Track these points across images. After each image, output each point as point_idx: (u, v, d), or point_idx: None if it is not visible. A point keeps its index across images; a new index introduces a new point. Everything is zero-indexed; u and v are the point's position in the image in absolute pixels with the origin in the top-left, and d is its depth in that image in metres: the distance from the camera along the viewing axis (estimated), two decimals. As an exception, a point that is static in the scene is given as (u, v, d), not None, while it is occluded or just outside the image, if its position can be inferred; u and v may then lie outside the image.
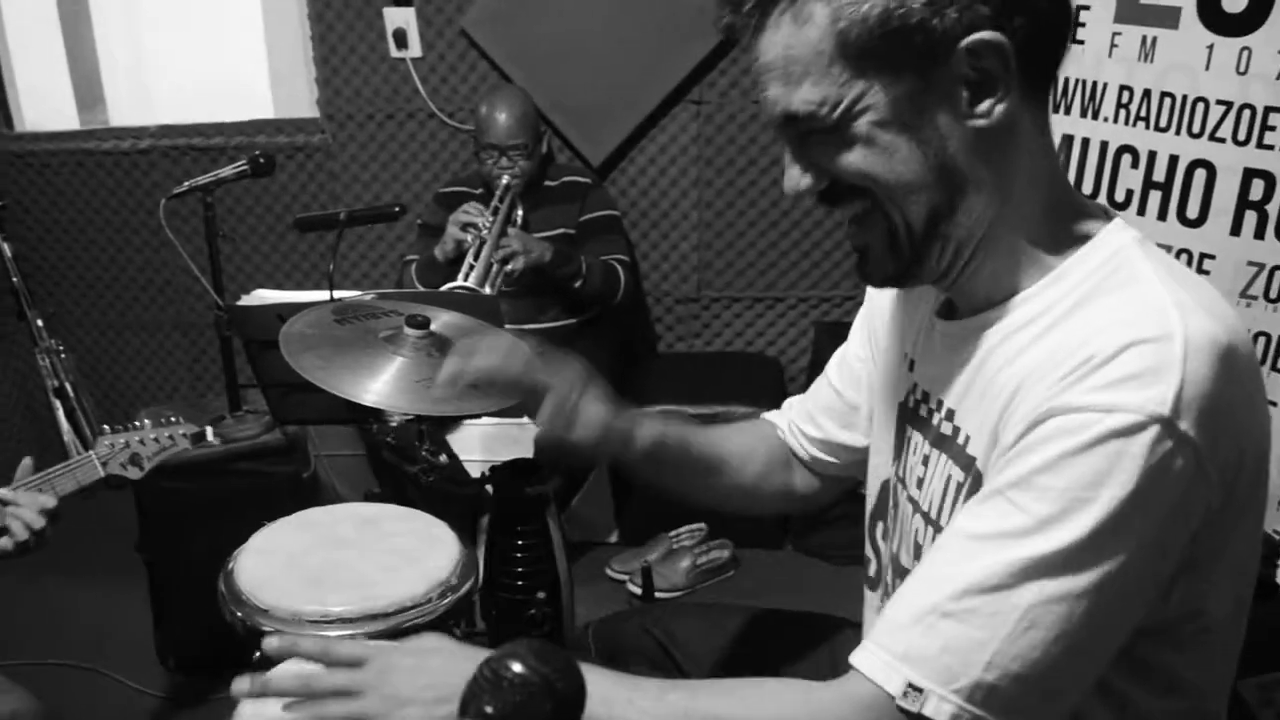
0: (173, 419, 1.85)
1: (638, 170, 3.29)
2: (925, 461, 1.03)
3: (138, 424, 1.84)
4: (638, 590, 2.77)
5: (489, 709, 0.63)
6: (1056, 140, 1.64)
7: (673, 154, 3.25)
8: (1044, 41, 0.90)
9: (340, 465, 2.95)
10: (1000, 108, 0.88)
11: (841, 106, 0.87)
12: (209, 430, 2.01)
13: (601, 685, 0.88)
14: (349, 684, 0.94)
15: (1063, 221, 0.94)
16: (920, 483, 1.04)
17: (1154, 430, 0.79)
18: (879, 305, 1.23)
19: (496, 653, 0.66)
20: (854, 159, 0.89)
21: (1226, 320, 0.84)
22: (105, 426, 1.81)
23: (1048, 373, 0.85)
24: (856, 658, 0.88)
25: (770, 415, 1.39)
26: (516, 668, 0.64)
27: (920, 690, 0.83)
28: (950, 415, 0.99)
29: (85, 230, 3.62)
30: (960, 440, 0.97)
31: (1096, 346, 0.83)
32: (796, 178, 0.94)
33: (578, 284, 2.85)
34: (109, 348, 3.77)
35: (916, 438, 1.06)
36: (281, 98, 3.53)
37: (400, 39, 3.21)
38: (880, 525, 1.18)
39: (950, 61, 0.86)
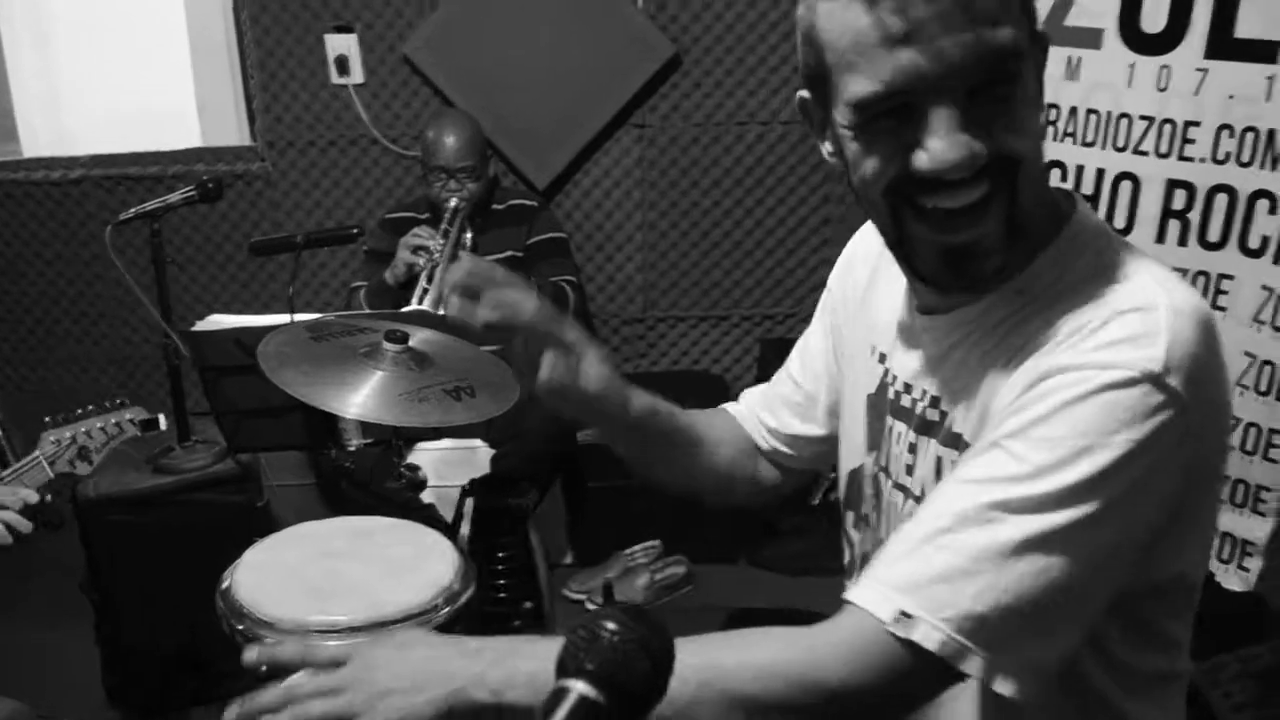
0: (119, 401, 1.73)
1: (582, 193, 3.34)
2: (912, 449, 1.07)
3: (81, 412, 1.70)
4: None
5: (590, 665, 0.65)
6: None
7: (616, 177, 3.31)
8: None
9: (290, 496, 2.92)
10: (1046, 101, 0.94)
11: (1025, 57, 0.86)
12: (161, 418, 1.88)
13: None
14: (331, 684, 0.94)
15: (1046, 207, 0.98)
16: (909, 469, 1.08)
17: (1146, 385, 0.84)
18: (843, 301, 1.25)
19: (587, 616, 0.69)
20: (1024, 122, 0.87)
21: (1199, 297, 0.91)
22: (46, 419, 1.69)
23: (1040, 344, 0.90)
24: (851, 592, 0.90)
25: (728, 406, 1.38)
26: (612, 626, 0.67)
27: (911, 617, 0.85)
28: (935, 402, 1.03)
29: (14, 263, 3.53)
30: (947, 424, 1.01)
31: (1088, 317, 0.88)
32: (964, 144, 0.85)
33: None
34: (39, 384, 3.67)
35: (900, 427, 1.09)
36: (210, 126, 3.50)
37: (342, 65, 3.22)
38: (851, 515, 1.21)
39: (1044, 39, 0.92)
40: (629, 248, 3.37)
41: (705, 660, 0.89)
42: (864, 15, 0.84)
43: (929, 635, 0.85)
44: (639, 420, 1.19)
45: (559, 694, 0.65)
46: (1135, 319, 0.87)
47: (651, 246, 3.37)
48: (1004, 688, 0.86)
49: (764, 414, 1.33)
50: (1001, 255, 0.92)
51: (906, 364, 1.08)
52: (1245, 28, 2.08)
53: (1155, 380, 0.84)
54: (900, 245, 0.96)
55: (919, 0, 0.82)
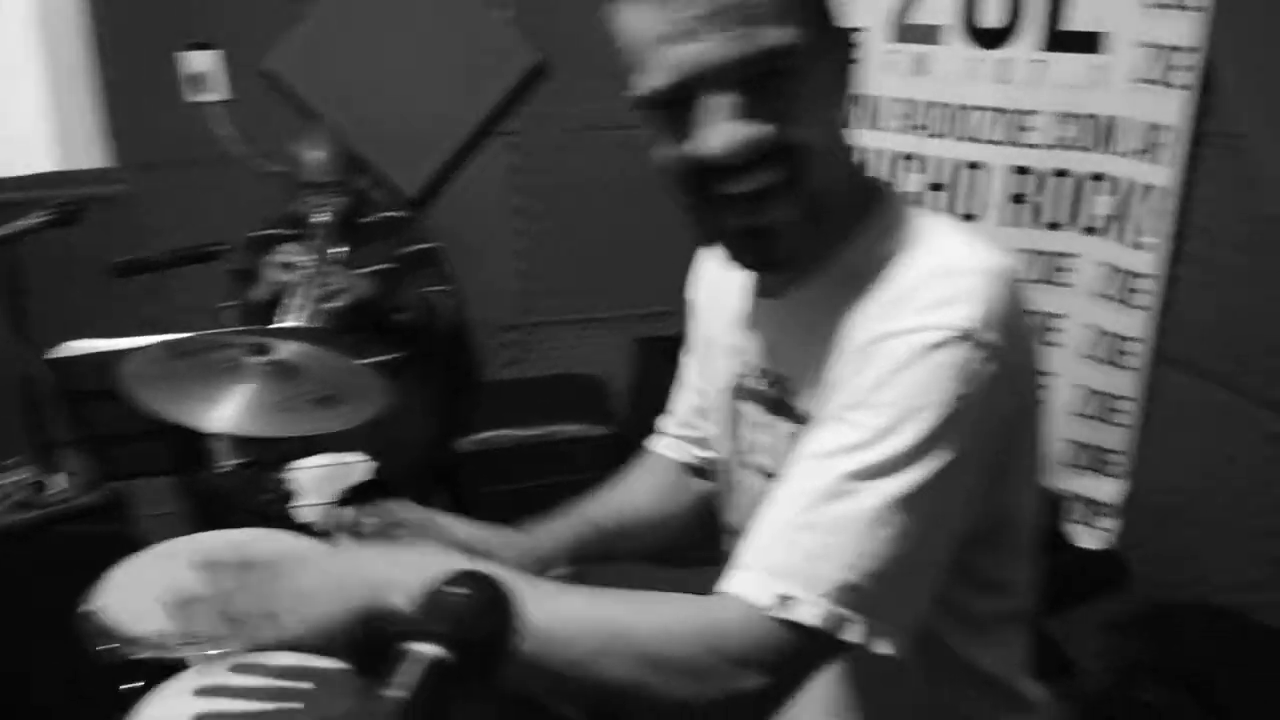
0: (13, 461, 1.71)
1: (454, 203, 3.33)
2: (766, 429, 1.12)
3: None
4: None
5: (438, 628, 0.68)
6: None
7: (488, 184, 3.31)
8: None
9: (161, 523, 2.84)
10: (854, 91, 1.00)
11: (806, 53, 0.92)
12: (63, 478, 1.84)
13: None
14: (252, 582, 0.96)
15: (859, 192, 1.05)
16: (762, 449, 1.13)
17: (966, 343, 0.90)
18: (700, 305, 1.31)
19: (435, 582, 0.71)
20: (808, 113, 0.93)
21: (1004, 255, 0.98)
22: None
23: (866, 315, 0.96)
24: (728, 582, 0.92)
25: (654, 443, 1.44)
26: (456, 590, 0.69)
27: (791, 598, 0.89)
28: (782, 381, 1.09)
29: None
30: (793, 401, 1.07)
31: (906, 284, 0.95)
32: (735, 131, 0.92)
33: (401, 317, 2.87)
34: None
35: (754, 411, 1.14)
36: (69, 151, 3.39)
37: (203, 83, 3.16)
38: (724, 506, 1.26)
39: (845, 37, 0.98)
40: (504, 254, 3.38)
41: (613, 613, 0.91)
42: (648, 17, 0.93)
43: (810, 613, 0.88)
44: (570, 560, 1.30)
45: (410, 658, 0.67)
46: (950, 282, 0.93)
47: (526, 253, 3.39)
48: (884, 648, 0.90)
49: (687, 431, 1.39)
50: (796, 239, 0.98)
51: (757, 348, 1.13)
52: (1075, 21, 2.22)
53: (974, 337, 0.91)
54: (703, 231, 1.02)
55: (696, 2, 0.90)
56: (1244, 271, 1.99)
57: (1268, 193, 1.89)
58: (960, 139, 2.38)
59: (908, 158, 2.44)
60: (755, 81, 0.92)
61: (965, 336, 0.90)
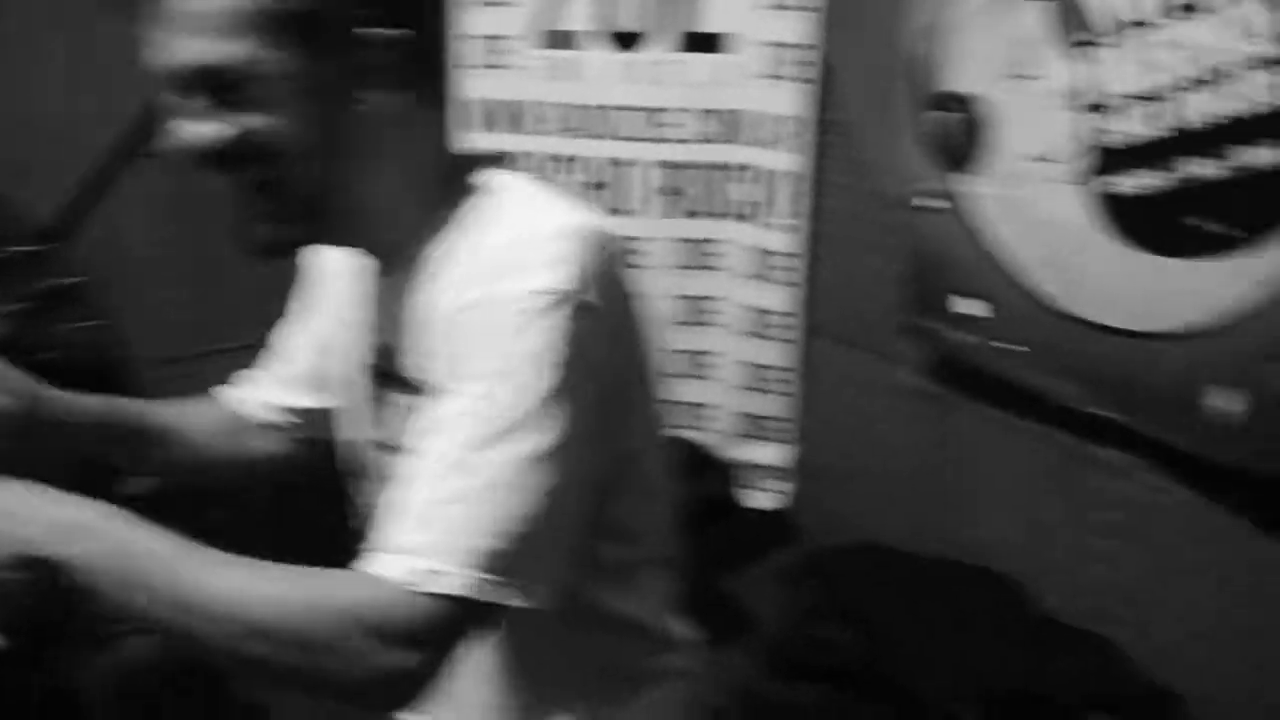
0: None
1: (104, 232, 3.10)
2: (389, 405, 1.13)
3: None
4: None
5: None
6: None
7: (141, 210, 3.10)
8: (433, 44, 1.05)
9: None
10: (388, 96, 1.00)
11: (256, 67, 0.94)
12: None
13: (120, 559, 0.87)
14: None
15: (456, 180, 1.07)
16: (386, 424, 1.14)
17: (565, 303, 0.94)
18: (326, 285, 1.30)
19: None
20: (268, 119, 0.96)
21: (595, 217, 1.02)
22: None
23: (461, 285, 0.98)
24: (371, 564, 0.91)
25: (227, 391, 1.41)
26: (10, 577, 0.69)
27: (437, 573, 0.88)
28: (405, 361, 1.09)
29: None
30: (406, 374, 1.08)
31: (498, 251, 0.98)
32: (193, 129, 0.97)
33: (44, 358, 2.64)
34: None
35: (379, 388, 1.15)
36: None
37: None
38: (353, 485, 1.25)
39: (348, 47, 0.98)
40: (163, 283, 3.18)
41: (252, 586, 0.88)
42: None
43: (453, 583, 0.89)
44: (91, 424, 1.25)
45: None
46: (542, 244, 0.96)
47: (188, 280, 3.20)
48: (539, 603, 0.93)
49: (279, 395, 1.36)
50: (287, 234, 1.03)
51: (381, 328, 1.14)
52: (704, 23, 2.38)
53: (573, 296, 0.94)
54: (230, 217, 1.06)
55: (156, 11, 0.96)
56: (869, 244, 2.21)
57: (874, 173, 2.11)
58: (609, 138, 2.48)
59: (559, 159, 2.53)
60: (215, 88, 0.96)
61: (566, 296, 0.94)
